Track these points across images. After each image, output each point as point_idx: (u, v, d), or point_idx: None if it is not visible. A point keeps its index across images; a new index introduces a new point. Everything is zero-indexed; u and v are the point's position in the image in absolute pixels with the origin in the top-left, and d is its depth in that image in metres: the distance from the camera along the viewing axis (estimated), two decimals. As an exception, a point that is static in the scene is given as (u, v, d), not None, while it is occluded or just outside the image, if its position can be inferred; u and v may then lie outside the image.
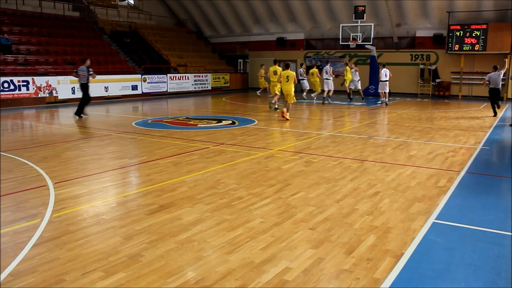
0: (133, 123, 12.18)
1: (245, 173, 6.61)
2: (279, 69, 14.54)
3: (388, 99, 18.48)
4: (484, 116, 14.45)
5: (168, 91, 22.90)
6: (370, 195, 5.52)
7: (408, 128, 11.51)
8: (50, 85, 17.52)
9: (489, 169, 7.48)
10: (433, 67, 23.26)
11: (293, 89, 12.85)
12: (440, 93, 23.25)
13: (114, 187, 6.03)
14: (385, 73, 17.62)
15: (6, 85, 16.06)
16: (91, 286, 3.22)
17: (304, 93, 20.53)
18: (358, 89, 20.25)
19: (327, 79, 18.45)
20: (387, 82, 17.71)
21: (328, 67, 18.66)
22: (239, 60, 30.27)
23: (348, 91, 20.10)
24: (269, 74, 15.74)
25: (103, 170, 6.80)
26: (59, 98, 17.85)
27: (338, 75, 22.99)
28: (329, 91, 18.55)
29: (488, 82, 13.98)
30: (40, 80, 17.22)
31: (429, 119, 13.56)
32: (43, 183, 5.97)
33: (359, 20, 21.37)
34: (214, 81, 26.05)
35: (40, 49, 19.57)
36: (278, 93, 14.81)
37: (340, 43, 22.23)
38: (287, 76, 12.81)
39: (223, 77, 26.94)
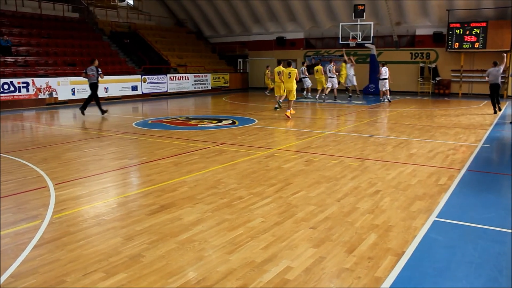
0: (133, 124, 12.18)
1: (245, 172, 6.61)
2: (283, 69, 14.56)
3: (390, 96, 18.60)
4: (484, 113, 14.44)
5: (168, 91, 22.90)
6: (370, 194, 5.51)
7: (409, 127, 11.50)
8: (50, 86, 17.52)
9: (490, 167, 7.47)
10: (433, 65, 23.25)
11: (295, 86, 13.21)
12: (440, 91, 23.24)
13: (115, 187, 6.03)
14: (385, 71, 17.94)
15: (6, 86, 16.06)
16: (92, 287, 3.22)
17: (305, 92, 20.50)
18: (354, 84, 20.22)
19: (331, 77, 18.48)
20: (387, 80, 17.94)
21: (331, 66, 18.65)
22: (239, 60, 30.26)
23: (346, 89, 20.09)
24: (274, 75, 15.74)
25: (103, 171, 6.80)
26: (59, 99, 17.86)
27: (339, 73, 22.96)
28: (333, 89, 18.60)
29: (487, 78, 14.11)
30: (40, 82, 17.22)
31: (429, 117, 13.55)
32: (43, 184, 5.97)
33: (358, 19, 21.32)
34: (214, 81, 26.04)
35: (39, 51, 19.56)
36: (283, 93, 14.86)
37: (340, 42, 22.21)
38: (289, 73, 13.16)
39: (223, 77, 26.93)
